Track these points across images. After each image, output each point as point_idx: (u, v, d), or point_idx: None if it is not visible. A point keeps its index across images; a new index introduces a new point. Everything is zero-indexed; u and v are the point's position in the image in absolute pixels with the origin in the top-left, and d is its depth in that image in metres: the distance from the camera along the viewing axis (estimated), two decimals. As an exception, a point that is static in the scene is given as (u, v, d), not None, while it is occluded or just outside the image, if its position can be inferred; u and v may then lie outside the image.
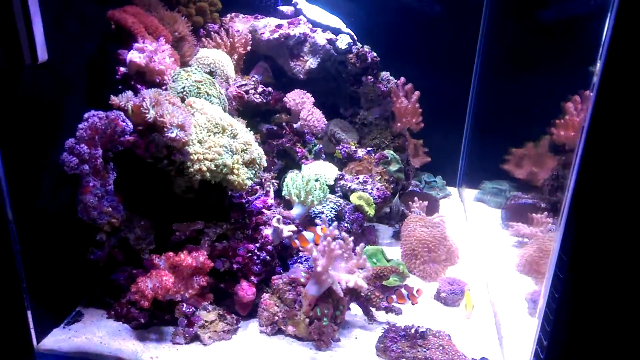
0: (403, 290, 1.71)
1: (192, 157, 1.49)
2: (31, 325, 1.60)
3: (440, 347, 1.61)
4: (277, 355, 1.63)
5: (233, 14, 2.46)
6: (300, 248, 1.63)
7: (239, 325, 1.74)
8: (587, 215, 1.20)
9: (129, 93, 1.49)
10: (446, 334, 1.67)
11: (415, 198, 2.57)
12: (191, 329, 1.65)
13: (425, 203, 2.53)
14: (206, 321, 1.67)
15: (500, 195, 2.93)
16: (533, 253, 2.11)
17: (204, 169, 1.50)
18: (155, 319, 1.72)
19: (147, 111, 1.43)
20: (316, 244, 1.59)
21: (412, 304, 1.74)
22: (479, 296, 2.01)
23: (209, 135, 1.55)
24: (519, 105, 2.86)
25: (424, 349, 1.60)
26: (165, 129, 1.42)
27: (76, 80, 1.67)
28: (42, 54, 1.26)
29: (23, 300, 1.55)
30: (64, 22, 1.55)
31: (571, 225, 1.22)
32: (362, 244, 1.67)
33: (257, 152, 1.66)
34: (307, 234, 1.61)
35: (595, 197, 1.19)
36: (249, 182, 1.60)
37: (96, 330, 1.70)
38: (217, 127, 1.58)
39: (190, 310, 1.66)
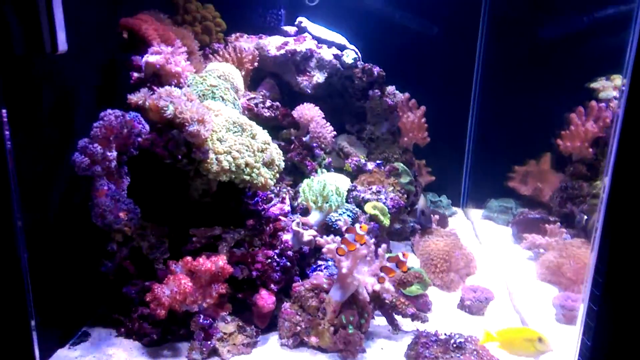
0: (387, 264, 1.58)
1: (212, 154, 1.44)
2: (36, 345, 1.48)
3: (475, 352, 1.53)
4: (302, 369, 1.53)
5: (238, 34, 2.48)
6: (292, 226, 1.53)
7: (258, 339, 1.64)
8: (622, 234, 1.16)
9: (145, 90, 1.45)
10: (478, 339, 1.59)
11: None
12: (209, 342, 1.54)
13: (437, 217, 2.49)
14: (225, 333, 1.57)
15: (507, 212, 2.91)
16: (554, 260, 2.07)
17: (226, 167, 1.44)
18: (169, 335, 1.62)
19: (166, 107, 1.39)
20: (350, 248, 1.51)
21: (403, 272, 1.64)
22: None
23: (229, 134, 1.50)
24: (519, 123, 2.89)
25: (458, 354, 1.52)
26: (186, 124, 1.38)
27: (85, 89, 1.63)
28: (62, 44, 1.23)
29: (28, 321, 1.44)
30: (77, 30, 1.54)
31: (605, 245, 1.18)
32: (384, 245, 1.62)
33: (276, 152, 1.61)
34: (349, 236, 1.51)
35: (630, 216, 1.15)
36: (271, 182, 1.54)
37: (105, 349, 1.58)
38: (236, 127, 1.54)
39: (208, 322, 1.56)
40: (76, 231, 1.58)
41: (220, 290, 1.54)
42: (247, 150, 1.50)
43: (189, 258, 1.52)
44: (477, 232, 2.74)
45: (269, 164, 1.57)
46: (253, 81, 2.41)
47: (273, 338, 1.66)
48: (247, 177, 1.50)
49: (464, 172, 3.18)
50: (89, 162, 1.42)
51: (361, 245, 1.50)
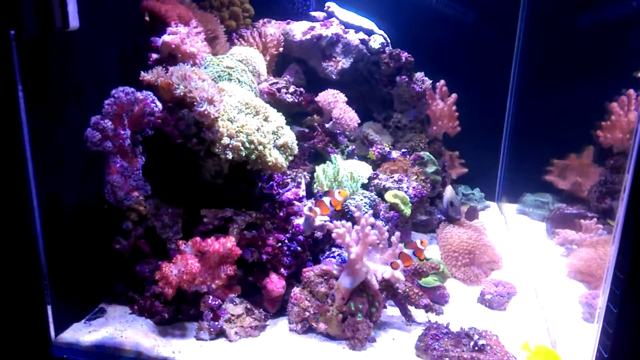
0: (405, 250, 1.54)
1: (222, 133, 1.43)
2: (50, 318, 1.53)
3: (488, 347, 1.46)
4: (308, 356, 1.50)
5: (265, 20, 2.47)
6: (304, 210, 1.52)
7: (267, 323, 1.63)
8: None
9: (159, 68, 1.46)
10: (493, 334, 1.52)
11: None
12: (217, 323, 1.54)
13: (465, 209, 2.40)
14: (233, 315, 1.56)
15: (543, 207, 2.77)
16: (585, 256, 1.95)
17: (236, 145, 1.43)
18: (180, 314, 1.63)
19: (176, 86, 1.39)
20: (333, 207, 1.50)
21: (420, 260, 1.58)
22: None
23: (240, 115, 1.49)
24: (560, 115, 2.74)
25: (469, 348, 1.45)
26: (195, 103, 1.37)
27: (110, 69, 1.67)
28: (74, 20, 1.24)
29: (43, 294, 1.50)
30: (100, 14, 1.57)
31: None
32: (397, 233, 1.56)
33: (290, 136, 1.59)
34: (326, 199, 1.51)
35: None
36: (284, 163, 1.52)
37: (117, 325, 1.61)
38: (248, 108, 1.52)
39: (217, 303, 1.57)
40: (95, 210, 1.62)
41: (229, 272, 1.53)
42: (258, 132, 1.48)
43: (197, 238, 1.52)
44: (510, 227, 2.63)
45: (281, 147, 1.55)
46: (279, 66, 2.39)
47: (283, 323, 1.65)
48: (261, 157, 1.49)
49: (500, 165, 3.06)
50: (100, 137, 1.44)
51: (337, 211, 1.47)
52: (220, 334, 1.56)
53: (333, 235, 1.52)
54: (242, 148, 1.44)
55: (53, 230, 1.47)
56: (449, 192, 2.20)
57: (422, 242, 1.56)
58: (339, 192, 1.51)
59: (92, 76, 1.57)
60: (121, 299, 1.73)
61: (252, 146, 1.46)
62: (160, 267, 1.50)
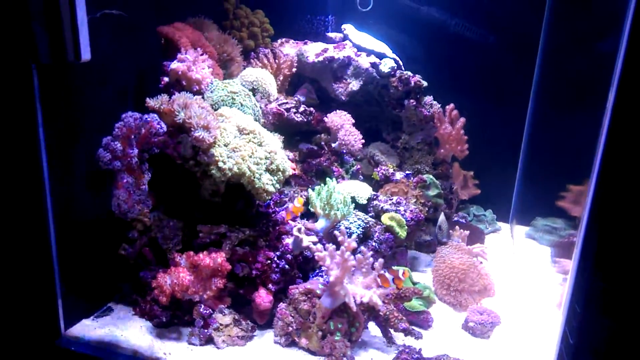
0: (387, 274, 1.61)
1: (216, 158, 1.55)
2: (61, 312, 1.70)
3: (457, 376, 1.51)
4: (288, 367, 1.60)
5: (284, 40, 2.58)
6: (293, 230, 1.63)
7: (254, 334, 1.74)
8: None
9: (164, 96, 1.60)
10: (466, 363, 1.57)
11: (457, 227, 2.49)
12: (206, 330, 1.67)
13: (467, 232, 2.44)
14: (221, 324, 1.68)
15: (553, 233, 2.75)
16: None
17: (227, 170, 1.55)
18: (176, 319, 1.77)
19: (177, 113, 1.52)
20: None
21: (397, 288, 1.67)
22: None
23: (236, 140, 1.61)
24: (578, 140, 2.71)
25: (439, 375, 1.51)
26: (192, 129, 1.50)
27: (128, 88, 1.82)
28: (86, 53, 1.39)
29: (55, 290, 1.67)
30: (121, 37, 1.72)
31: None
32: (380, 260, 1.64)
33: (282, 160, 1.69)
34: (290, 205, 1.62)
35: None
36: (272, 189, 1.63)
37: (120, 324, 1.77)
38: (242, 134, 1.64)
39: (207, 312, 1.69)
40: (106, 218, 1.78)
41: (219, 285, 1.65)
42: (250, 158, 1.59)
43: (191, 252, 1.65)
44: (515, 251, 2.63)
45: (272, 171, 1.65)
46: (294, 85, 2.50)
47: (269, 335, 1.76)
48: (250, 181, 1.60)
49: (515, 186, 3.05)
50: (111, 157, 1.59)
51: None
52: (209, 340, 1.69)
53: (316, 257, 1.61)
54: (234, 171, 1.55)
55: (67, 235, 1.64)
56: (440, 216, 2.26)
57: (403, 273, 1.64)
58: (297, 200, 1.66)
59: (110, 96, 1.73)
60: (127, 300, 1.88)
61: (243, 171, 1.57)
62: (157, 276, 1.64)
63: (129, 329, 1.74)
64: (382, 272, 1.63)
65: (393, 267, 1.70)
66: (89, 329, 1.74)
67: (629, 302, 1.17)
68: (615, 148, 1.15)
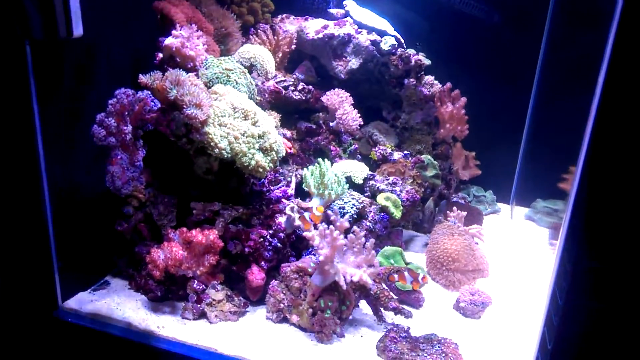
0: (406, 273, 1.66)
1: (208, 136, 1.56)
2: (58, 284, 1.74)
3: (443, 355, 1.53)
4: (278, 343, 1.63)
5: (284, 15, 2.54)
6: (303, 230, 1.64)
7: (247, 309, 1.77)
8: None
9: (157, 73, 1.59)
10: (453, 342, 1.59)
11: (454, 207, 2.48)
12: (199, 305, 1.70)
13: (464, 213, 2.43)
14: (214, 300, 1.71)
15: (553, 215, 2.74)
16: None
17: (219, 149, 1.55)
18: (171, 294, 1.80)
19: (169, 90, 1.52)
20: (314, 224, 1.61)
21: (413, 289, 1.72)
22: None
23: (229, 119, 1.60)
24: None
25: (425, 354, 1.54)
26: (184, 107, 1.50)
27: (125, 64, 1.82)
28: (77, 29, 1.38)
29: (52, 264, 1.71)
30: (119, 13, 1.71)
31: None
32: (371, 239, 1.65)
33: (276, 140, 1.69)
34: (306, 215, 1.62)
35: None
36: (265, 167, 1.63)
37: (116, 298, 1.80)
38: (236, 112, 1.63)
39: (201, 287, 1.72)
40: (102, 194, 1.80)
41: (211, 261, 1.68)
42: (243, 136, 1.59)
43: (184, 228, 1.67)
44: (513, 232, 2.63)
45: (265, 150, 1.66)
46: (294, 62, 2.47)
47: (262, 311, 1.78)
48: (241, 160, 1.60)
49: (517, 167, 3.03)
50: (105, 134, 1.60)
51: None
52: (202, 315, 1.72)
53: (304, 235, 1.62)
54: (224, 152, 1.56)
55: (64, 210, 1.66)
56: (428, 201, 2.27)
57: (423, 278, 1.71)
58: (317, 209, 1.62)
59: (106, 71, 1.73)
60: (123, 275, 1.92)
61: (236, 150, 1.57)
62: (150, 251, 1.67)
63: (124, 303, 1.78)
64: (404, 271, 1.68)
65: (412, 269, 1.75)
66: (86, 301, 1.78)
67: (614, 282, 1.17)
68: (606, 122, 1.13)
